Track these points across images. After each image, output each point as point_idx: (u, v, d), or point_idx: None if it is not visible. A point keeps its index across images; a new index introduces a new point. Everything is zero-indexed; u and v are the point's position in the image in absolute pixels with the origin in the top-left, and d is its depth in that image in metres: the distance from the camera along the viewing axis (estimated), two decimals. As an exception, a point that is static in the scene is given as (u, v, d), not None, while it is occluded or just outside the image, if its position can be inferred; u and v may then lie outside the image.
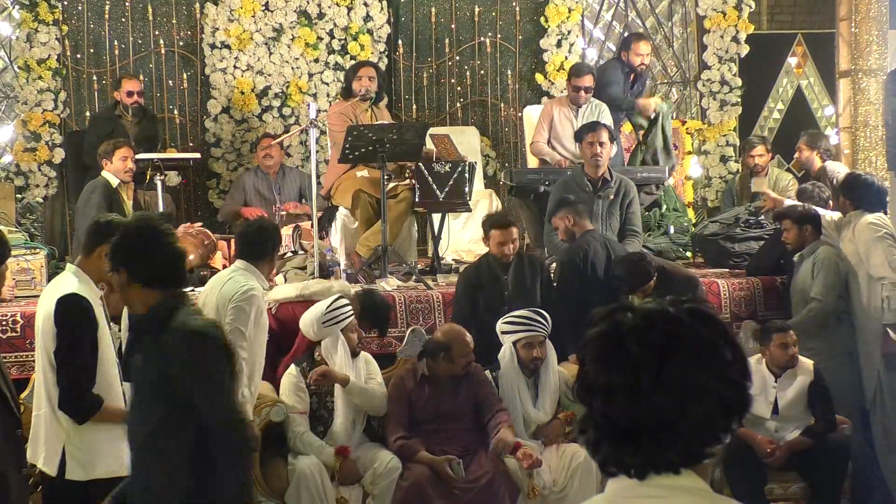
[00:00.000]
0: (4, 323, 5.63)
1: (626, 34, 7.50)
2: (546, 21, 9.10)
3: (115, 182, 6.67)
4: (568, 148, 7.58)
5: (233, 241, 6.86)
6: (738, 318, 6.31)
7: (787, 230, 6.08)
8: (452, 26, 9.11)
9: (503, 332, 5.41)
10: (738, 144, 9.16)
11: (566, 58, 8.93)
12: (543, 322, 5.37)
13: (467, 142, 8.16)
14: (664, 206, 7.78)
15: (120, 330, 4.41)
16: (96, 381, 3.91)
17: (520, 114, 8.79)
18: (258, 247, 4.93)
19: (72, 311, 3.86)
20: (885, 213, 6.30)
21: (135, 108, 7.82)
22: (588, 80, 7.60)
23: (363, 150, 6.55)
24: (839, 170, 7.55)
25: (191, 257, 6.37)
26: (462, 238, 7.86)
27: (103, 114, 8.08)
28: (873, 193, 6.15)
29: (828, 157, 7.66)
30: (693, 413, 1.51)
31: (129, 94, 7.80)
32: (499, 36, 9.17)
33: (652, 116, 7.91)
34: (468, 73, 9.15)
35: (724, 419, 1.54)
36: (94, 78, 8.53)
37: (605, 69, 8.21)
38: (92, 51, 8.60)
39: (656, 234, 7.56)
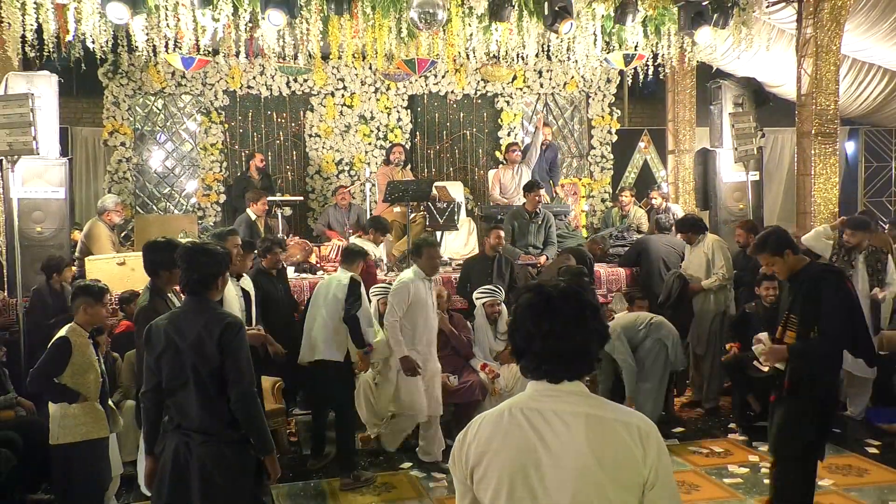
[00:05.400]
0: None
1: (539, 119, 7.56)
2: (501, 121, 9.17)
3: (254, 217, 6.58)
4: (510, 195, 7.61)
5: (322, 248, 6.90)
6: (611, 291, 6.30)
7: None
8: (447, 124, 9.15)
9: (476, 298, 5.39)
10: (611, 192, 9.23)
11: (514, 141, 8.95)
12: (499, 291, 5.37)
13: (456, 190, 8.12)
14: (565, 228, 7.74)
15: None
16: None
17: (487, 174, 8.80)
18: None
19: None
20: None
21: (258, 173, 7.76)
22: (516, 148, 7.77)
23: (397, 195, 6.58)
24: (676, 210, 7.59)
25: (297, 256, 6.44)
26: (453, 246, 7.81)
27: (240, 176, 8.04)
28: (703, 225, 5.82)
29: (667, 201, 7.71)
30: (593, 344, 1.45)
31: (258, 168, 7.75)
32: (474, 129, 9.19)
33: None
34: (457, 151, 9.17)
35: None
36: (243, 155, 8.54)
37: (528, 148, 8.13)
38: (240, 138, 8.65)
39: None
